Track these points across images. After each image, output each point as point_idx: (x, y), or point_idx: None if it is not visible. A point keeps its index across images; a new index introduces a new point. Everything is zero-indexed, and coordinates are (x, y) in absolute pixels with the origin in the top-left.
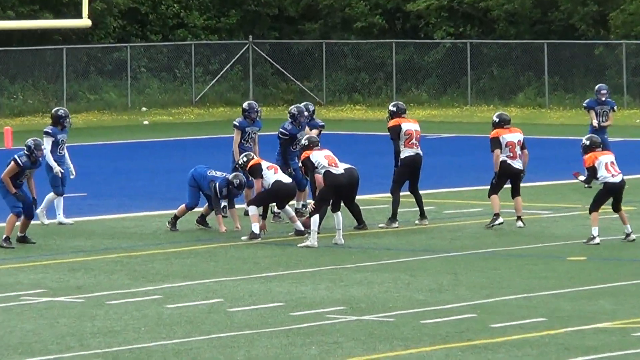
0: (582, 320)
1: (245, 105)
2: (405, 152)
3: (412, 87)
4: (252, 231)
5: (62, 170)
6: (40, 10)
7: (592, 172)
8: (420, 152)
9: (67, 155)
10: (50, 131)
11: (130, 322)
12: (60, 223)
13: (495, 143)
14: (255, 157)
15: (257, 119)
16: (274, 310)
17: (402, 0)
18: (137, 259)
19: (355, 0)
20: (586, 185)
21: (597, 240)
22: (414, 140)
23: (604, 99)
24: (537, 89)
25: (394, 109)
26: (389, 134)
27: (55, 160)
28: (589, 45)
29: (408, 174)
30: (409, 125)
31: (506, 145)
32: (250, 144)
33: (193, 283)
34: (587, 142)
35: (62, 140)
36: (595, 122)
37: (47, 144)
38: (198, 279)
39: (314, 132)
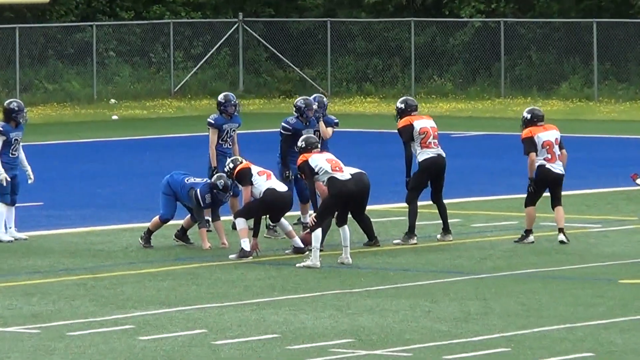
0: (638, 356)
1: (220, 97)
2: (423, 154)
3: (434, 75)
4: (242, 248)
5: (8, 178)
6: None
7: None
8: (443, 153)
9: (22, 156)
10: (1, 129)
11: (96, 357)
12: (14, 238)
13: (529, 144)
14: (243, 160)
15: (236, 113)
16: (268, 343)
17: None
18: (104, 282)
19: None
20: None
21: None
22: (431, 139)
23: None
24: (584, 78)
25: (403, 105)
26: (400, 136)
27: (6, 163)
28: None
29: (428, 179)
30: (422, 122)
31: (542, 146)
32: (229, 144)
33: (171, 310)
34: None
35: (16, 140)
36: None
37: None
38: (177, 306)
39: (329, 131)
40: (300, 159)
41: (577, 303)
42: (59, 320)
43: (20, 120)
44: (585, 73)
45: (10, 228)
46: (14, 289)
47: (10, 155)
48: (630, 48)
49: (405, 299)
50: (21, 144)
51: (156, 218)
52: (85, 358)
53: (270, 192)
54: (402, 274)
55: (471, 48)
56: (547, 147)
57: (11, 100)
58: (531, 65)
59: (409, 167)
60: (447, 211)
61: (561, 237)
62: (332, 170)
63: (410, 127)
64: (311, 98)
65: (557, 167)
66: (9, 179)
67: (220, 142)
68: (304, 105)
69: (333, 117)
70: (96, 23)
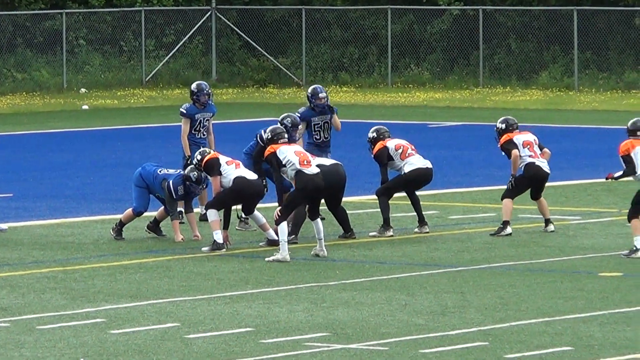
0: (617, 350)
1: (193, 86)
2: (410, 165)
3: (411, 64)
4: (215, 240)
5: None
6: None
7: (629, 164)
8: (430, 165)
9: None
10: None
11: (67, 351)
12: None
13: (510, 144)
14: (210, 151)
15: (209, 102)
16: (241, 337)
17: None
18: (74, 275)
19: None
20: (615, 179)
21: None
22: (410, 150)
23: None
24: (564, 67)
25: (375, 134)
26: (375, 160)
27: None
28: (628, 13)
29: (411, 186)
30: (395, 141)
31: (523, 146)
32: (204, 134)
33: (143, 304)
34: (631, 127)
35: None
36: None
37: None
38: (149, 299)
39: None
40: (268, 150)
41: (556, 296)
42: (28, 314)
43: None
44: (565, 62)
45: None
46: None
47: None
48: (611, 37)
49: (381, 292)
50: None
51: (129, 210)
52: (56, 352)
53: (240, 179)
54: (378, 267)
55: (449, 36)
56: (528, 146)
57: None
58: (510, 54)
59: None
60: (423, 203)
61: (551, 227)
62: (300, 164)
63: (384, 150)
64: (318, 87)
65: (545, 166)
66: None
67: (193, 132)
68: (311, 94)
69: (334, 107)
70: (66, 11)
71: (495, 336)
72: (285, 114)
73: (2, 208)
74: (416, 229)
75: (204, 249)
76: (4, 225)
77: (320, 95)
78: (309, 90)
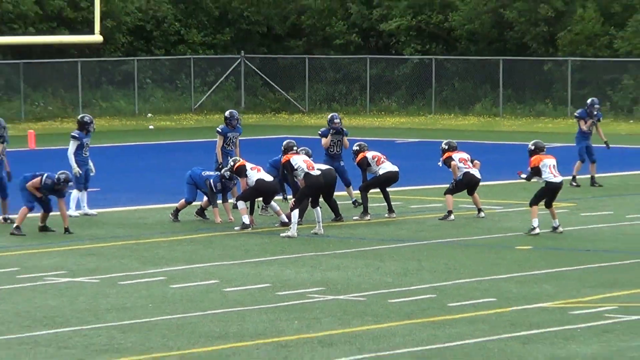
0: (527, 301)
1: (226, 113)
2: (383, 169)
3: (383, 97)
4: (243, 222)
5: (81, 172)
6: (57, 27)
7: (536, 172)
8: (397, 169)
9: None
10: (76, 135)
11: (139, 300)
12: (85, 214)
13: (449, 159)
14: (240, 159)
15: (238, 125)
16: (262, 290)
17: (376, 21)
18: (144, 246)
19: (335, 20)
20: (526, 180)
21: (537, 230)
22: (383, 159)
23: (595, 112)
24: (492, 100)
25: (357, 148)
26: (358, 166)
27: (80, 161)
28: (539, 62)
29: (383, 184)
30: (372, 152)
31: (459, 161)
32: (232, 148)
33: (193, 267)
34: (532, 147)
35: (87, 144)
36: (585, 127)
37: (72, 146)
38: (197, 263)
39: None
40: (284, 158)
41: (485, 263)
42: (112, 273)
43: (90, 129)
44: (493, 97)
45: (83, 207)
46: (79, 251)
47: (83, 154)
48: (527, 79)
49: (362, 259)
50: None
51: (182, 201)
52: (132, 300)
53: (260, 181)
54: (359, 242)
55: (411, 78)
56: (463, 161)
57: (84, 114)
58: (454, 90)
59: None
60: (391, 196)
61: (482, 214)
62: (308, 168)
63: (364, 160)
64: (335, 114)
65: (477, 173)
66: (81, 172)
67: (224, 145)
68: (329, 119)
69: (346, 130)
70: (137, 58)
71: (441, 291)
72: (302, 148)
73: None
74: (386, 215)
75: (235, 228)
76: (94, 211)
77: (335, 120)
78: (329, 116)
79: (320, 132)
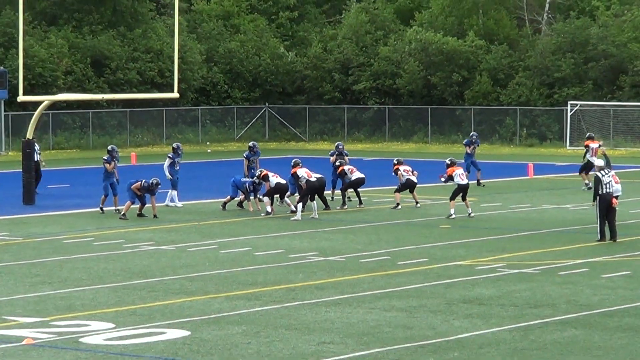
0: (447, 260)
1: (250, 144)
2: (355, 176)
3: (355, 131)
4: (266, 211)
5: (172, 178)
6: (150, 88)
7: (451, 178)
8: (364, 176)
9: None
10: (170, 156)
11: (200, 260)
12: (176, 205)
13: (397, 170)
14: (264, 170)
15: (257, 150)
16: (278, 254)
17: (350, 84)
18: (204, 226)
19: (324, 84)
20: (444, 182)
21: (453, 216)
22: (356, 170)
23: (473, 140)
24: (424, 133)
25: (338, 163)
26: (338, 175)
27: (171, 172)
28: (453, 109)
29: (355, 186)
30: (347, 166)
31: (404, 172)
32: (254, 166)
33: (235, 239)
34: (449, 162)
35: (177, 161)
36: (469, 150)
37: (167, 162)
38: (237, 237)
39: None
40: (293, 170)
41: (420, 236)
42: (183, 243)
43: (179, 152)
44: (425, 131)
45: (175, 201)
46: (163, 229)
47: (175, 168)
48: (446, 119)
49: (341, 234)
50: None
51: (228, 197)
52: (196, 260)
53: (277, 184)
54: (340, 222)
55: (372, 119)
56: (407, 171)
57: (177, 143)
58: (400, 127)
59: (344, 181)
60: (361, 194)
61: (418, 205)
62: (308, 176)
63: (343, 171)
64: (340, 143)
65: (415, 179)
66: (172, 178)
67: (249, 164)
68: (335, 145)
69: (346, 151)
70: (200, 107)
71: (393, 254)
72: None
73: (179, 197)
74: (357, 206)
75: (262, 214)
76: (180, 204)
77: (339, 146)
78: (336, 143)
79: (330, 153)
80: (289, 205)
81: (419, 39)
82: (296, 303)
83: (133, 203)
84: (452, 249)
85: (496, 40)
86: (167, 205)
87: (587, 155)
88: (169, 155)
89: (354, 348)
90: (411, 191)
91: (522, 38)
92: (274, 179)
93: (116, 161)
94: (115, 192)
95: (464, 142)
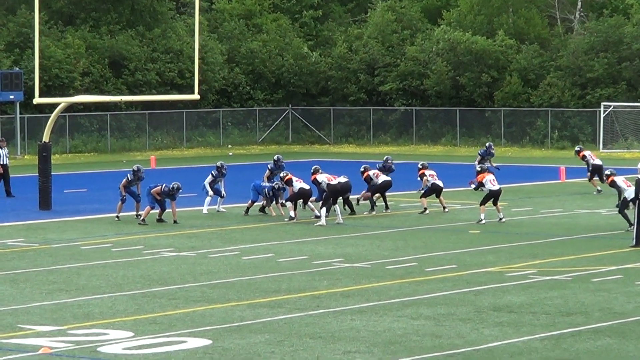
0: (477, 266)
1: (275, 157)
2: (380, 179)
3: (381, 134)
4: (290, 215)
5: (212, 194)
6: (170, 90)
7: (481, 184)
8: (390, 179)
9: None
10: (214, 174)
11: (222, 267)
12: (218, 211)
13: (423, 175)
14: (288, 174)
15: (282, 165)
16: (302, 260)
17: (376, 84)
18: (226, 231)
19: (349, 84)
20: (474, 189)
21: (483, 221)
22: (379, 173)
23: (492, 150)
24: (452, 136)
25: (363, 169)
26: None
27: (215, 188)
28: (482, 111)
29: (381, 190)
30: (372, 170)
31: (430, 177)
32: (277, 174)
33: (257, 245)
34: (479, 169)
35: (219, 180)
36: (487, 165)
37: (209, 178)
38: (260, 243)
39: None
40: (313, 177)
41: (449, 242)
42: (204, 249)
43: (224, 172)
44: (453, 134)
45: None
46: (183, 235)
47: (217, 182)
48: (475, 122)
49: (368, 240)
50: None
51: (250, 202)
52: (217, 267)
53: (301, 189)
54: (366, 228)
55: (399, 121)
56: (432, 175)
57: (222, 162)
58: (427, 130)
59: (370, 186)
60: (388, 199)
61: (446, 210)
62: (328, 180)
63: (368, 177)
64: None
65: (440, 183)
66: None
67: (270, 175)
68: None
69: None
70: (222, 109)
71: (420, 260)
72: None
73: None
74: (384, 211)
75: (285, 219)
76: (223, 208)
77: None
78: (385, 157)
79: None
80: (312, 210)
81: (447, 39)
82: (321, 311)
83: (153, 208)
84: (481, 255)
85: (527, 40)
86: (218, 211)
87: (590, 161)
88: (212, 172)
89: (380, 357)
90: (437, 196)
91: (554, 37)
92: (298, 183)
93: (139, 181)
94: (137, 199)
95: (479, 152)
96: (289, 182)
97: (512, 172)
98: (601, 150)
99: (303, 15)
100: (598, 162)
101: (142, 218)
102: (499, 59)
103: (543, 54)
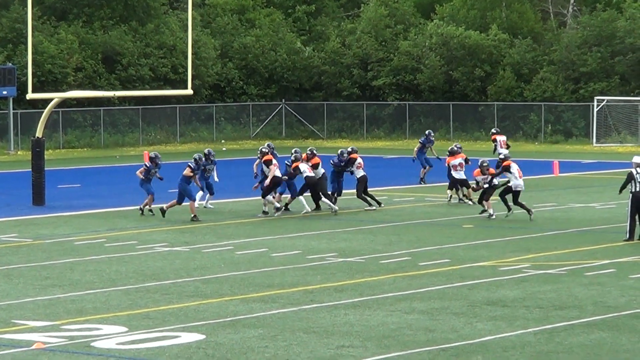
0: (470, 261)
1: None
2: (358, 174)
3: (375, 129)
4: (275, 206)
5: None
6: (164, 85)
7: (506, 169)
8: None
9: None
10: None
11: (215, 262)
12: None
13: (450, 167)
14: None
15: (275, 153)
16: (296, 255)
17: (369, 79)
18: (220, 226)
19: (343, 79)
20: (488, 183)
21: (494, 216)
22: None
23: (432, 138)
24: (446, 130)
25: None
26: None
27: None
28: (475, 105)
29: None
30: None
31: (460, 166)
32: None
33: (250, 240)
34: (503, 156)
35: (209, 168)
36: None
37: (187, 171)
38: (253, 237)
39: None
40: (294, 165)
41: (442, 236)
42: (197, 244)
43: (212, 158)
44: (447, 128)
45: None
46: (176, 230)
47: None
48: (468, 116)
49: (361, 235)
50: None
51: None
52: (210, 262)
53: (275, 177)
54: (359, 223)
55: (392, 116)
56: (459, 166)
57: (204, 153)
58: (421, 124)
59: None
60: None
61: (454, 200)
62: (308, 171)
63: (353, 159)
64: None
65: (462, 174)
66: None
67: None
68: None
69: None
70: (215, 104)
71: (414, 255)
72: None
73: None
74: (373, 207)
75: (276, 214)
76: (211, 205)
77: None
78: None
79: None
80: (271, 202)
81: (440, 33)
82: (314, 305)
83: (180, 203)
84: (475, 249)
85: (520, 34)
86: (205, 207)
87: (498, 148)
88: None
89: (374, 352)
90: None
91: (547, 31)
92: (276, 171)
93: (214, 165)
94: (212, 192)
95: (420, 140)
96: (268, 163)
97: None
98: (594, 145)
99: (296, 10)
100: (505, 151)
101: (193, 215)
102: (492, 53)
103: (536, 48)
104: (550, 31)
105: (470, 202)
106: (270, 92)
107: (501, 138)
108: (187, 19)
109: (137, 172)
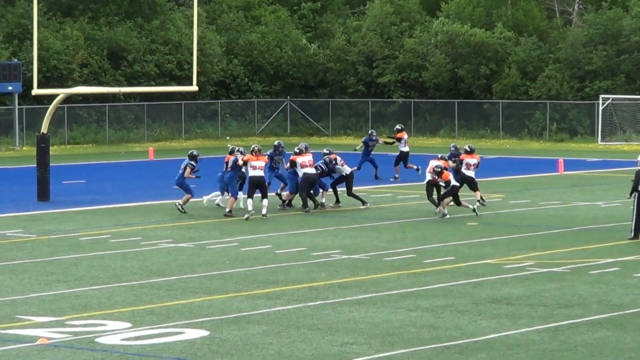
0: (475, 258)
1: (275, 143)
2: (346, 170)
3: (380, 126)
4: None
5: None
6: (169, 81)
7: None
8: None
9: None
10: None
11: (220, 258)
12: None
13: (460, 164)
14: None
15: (284, 152)
16: (301, 252)
17: (375, 76)
18: (224, 222)
19: (348, 76)
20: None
21: (447, 215)
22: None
23: (374, 137)
24: (451, 128)
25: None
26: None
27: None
28: (480, 103)
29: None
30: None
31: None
32: (278, 166)
33: (255, 236)
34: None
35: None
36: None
37: (187, 170)
38: (258, 234)
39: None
40: (292, 157)
41: (447, 233)
42: (203, 241)
43: (281, 149)
44: (452, 125)
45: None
46: (182, 226)
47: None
48: (473, 113)
49: (366, 232)
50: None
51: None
52: (215, 258)
53: (251, 177)
54: (364, 220)
55: (397, 113)
56: (471, 166)
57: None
58: (426, 122)
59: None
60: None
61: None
62: (302, 167)
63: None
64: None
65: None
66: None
67: (272, 163)
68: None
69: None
70: (220, 101)
71: (419, 252)
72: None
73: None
74: (361, 206)
75: (274, 208)
76: (222, 203)
77: (372, 134)
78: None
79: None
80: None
81: (446, 31)
82: (319, 302)
83: (236, 199)
84: (479, 247)
85: (525, 32)
86: (217, 205)
87: (400, 147)
88: (190, 163)
89: (378, 349)
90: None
91: (552, 29)
92: (255, 171)
93: (282, 157)
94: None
95: (363, 140)
96: (293, 164)
97: (511, 164)
98: (599, 143)
99: (302, 7)
100: (406, 149)
101: (227, 209)
102: (497, 51)
103: (542, 46)
104: (556, 29)
105: (483, 204)
106: (276, 89)
107: (405, 137)
108: (192, 16)
109: (187, 174)
